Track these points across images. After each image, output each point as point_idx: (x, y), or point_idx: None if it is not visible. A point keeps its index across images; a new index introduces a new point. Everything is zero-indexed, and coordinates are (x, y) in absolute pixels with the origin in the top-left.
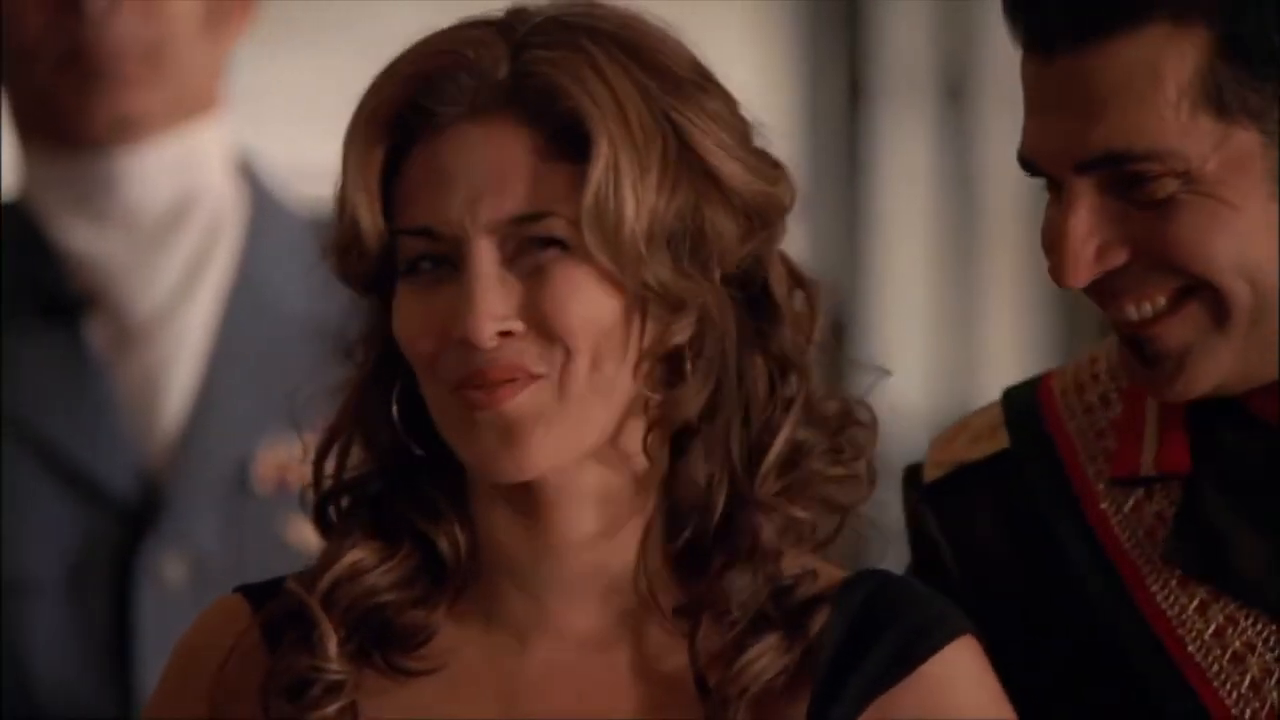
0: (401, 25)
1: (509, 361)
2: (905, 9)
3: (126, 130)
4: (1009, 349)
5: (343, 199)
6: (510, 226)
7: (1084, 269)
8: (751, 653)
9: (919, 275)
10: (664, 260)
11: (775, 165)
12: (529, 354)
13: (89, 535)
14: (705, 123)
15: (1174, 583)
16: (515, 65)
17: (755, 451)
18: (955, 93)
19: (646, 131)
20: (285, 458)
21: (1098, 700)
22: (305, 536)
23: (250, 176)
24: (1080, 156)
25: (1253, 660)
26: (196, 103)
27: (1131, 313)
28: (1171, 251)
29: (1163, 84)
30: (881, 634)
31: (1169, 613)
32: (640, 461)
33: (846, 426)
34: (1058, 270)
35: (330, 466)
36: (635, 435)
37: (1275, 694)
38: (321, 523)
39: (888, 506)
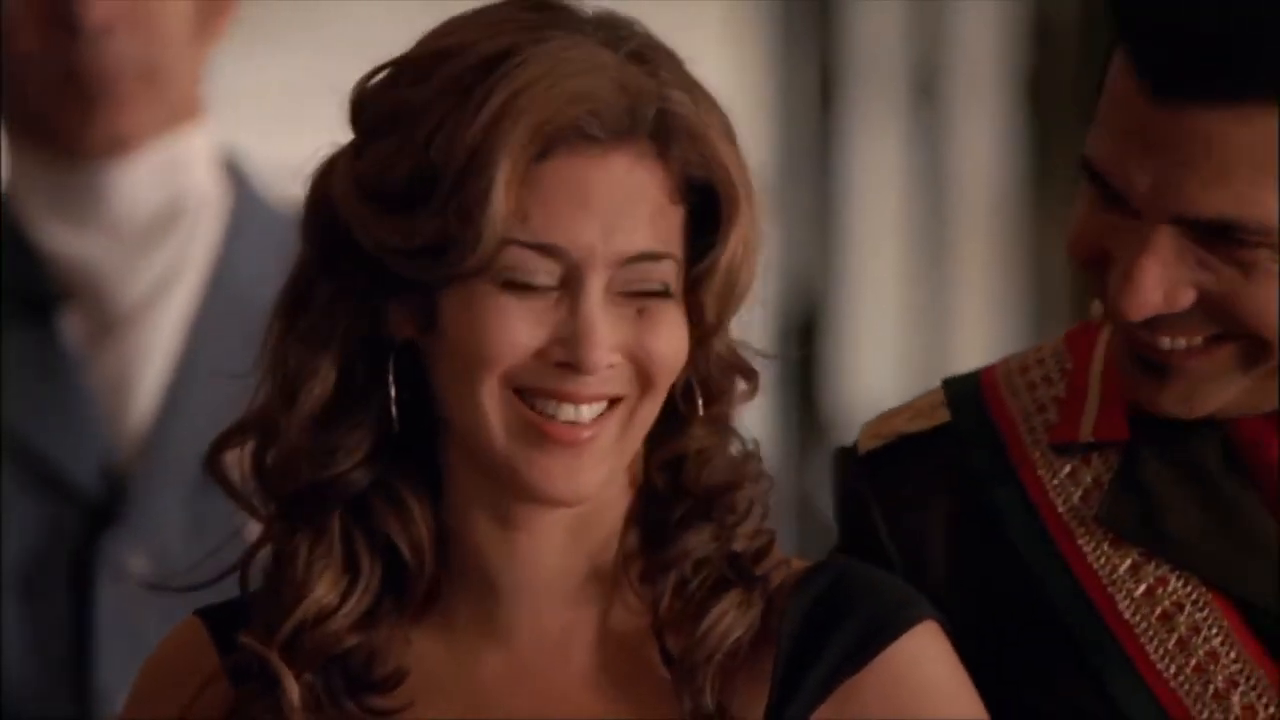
0: (374, 24)
1: (600, 390)
2: (876, 8)
3: (119, 145)
4: (980, 346)
5: (472, 198)
6: (630, 261)
7: (1150, 308)
8: (714, 613)
9: (890, 273)
10: None
11: None
12: (616, 382)
13: (53, 530)
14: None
15: (1106, 545)
16: (662, 103)
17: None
18: (926, 91)
19: (759, 208)
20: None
21: (1029, 658)
22: None
23: (234, 174)
24: (1184, 211)
25: (1181, 619)
26: (184, 110)
27: (1165, 343)
28: (1243, 310)
29: None
30: (844, 621)
31: (1100, 573)
32: (625, 477)
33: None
34: (1122, 302)
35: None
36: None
37: (1201, 651)
38: (290, 517)
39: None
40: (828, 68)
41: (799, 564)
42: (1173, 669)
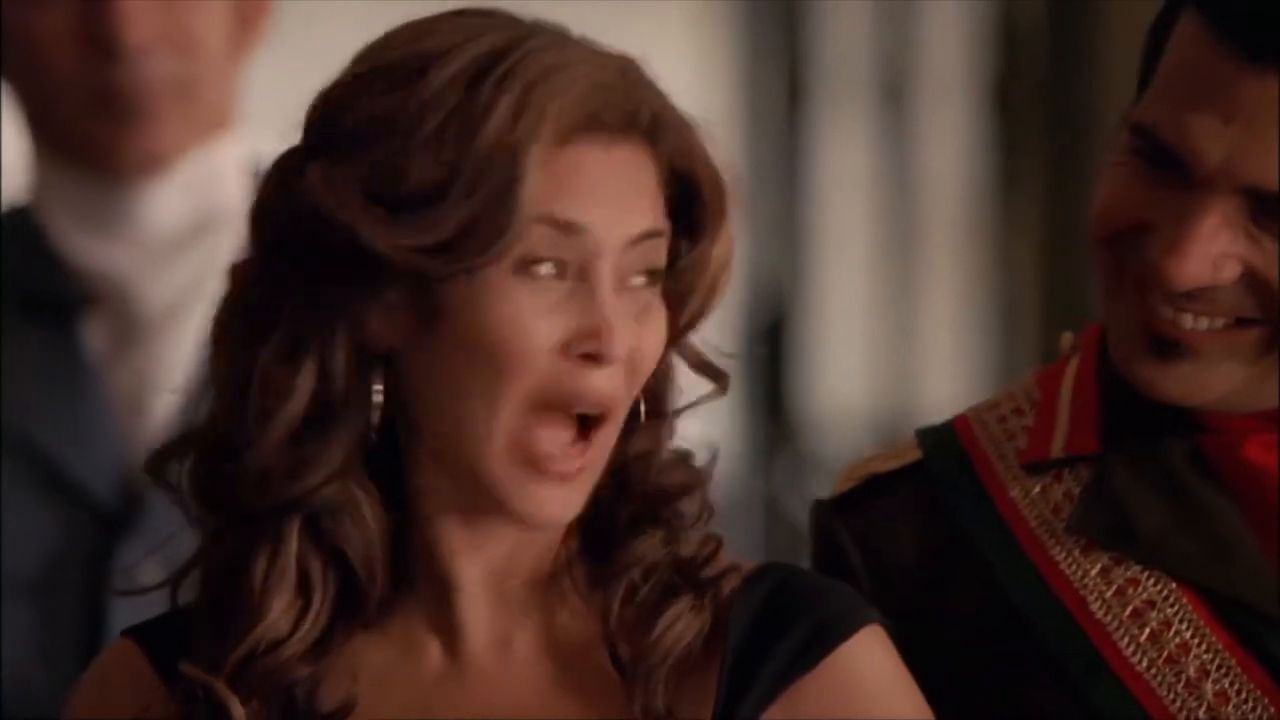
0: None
1: (613, 392)
2: (844, 10)
3: (153, 162)
4: (948, 351)
5: (503, 183)
6: (635, 242)
7: (1198, 278)
8: (665, 619)
9: (857, 275)
10: None
11: None
12: (620, 385)
13: (66, 537)
14: None
15: (1077, 552)
16: (657, 99)
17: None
18: (894, 95)
19: (735, 209)
20: None
21: (1005, 673)
22: None
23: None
24: (1256, 181)
25: (1153, 615)
26: (217, 123)
27: (1188, 322)
28: None
29: None
30: (792, 623)
31: (1072, 579)
32: None
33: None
34: (1170, 270)
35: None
36: None
37: (1173, 644)
38: (247, 534)
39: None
40: (795, 71)
41: (750, 565)
42: (1144, 663)
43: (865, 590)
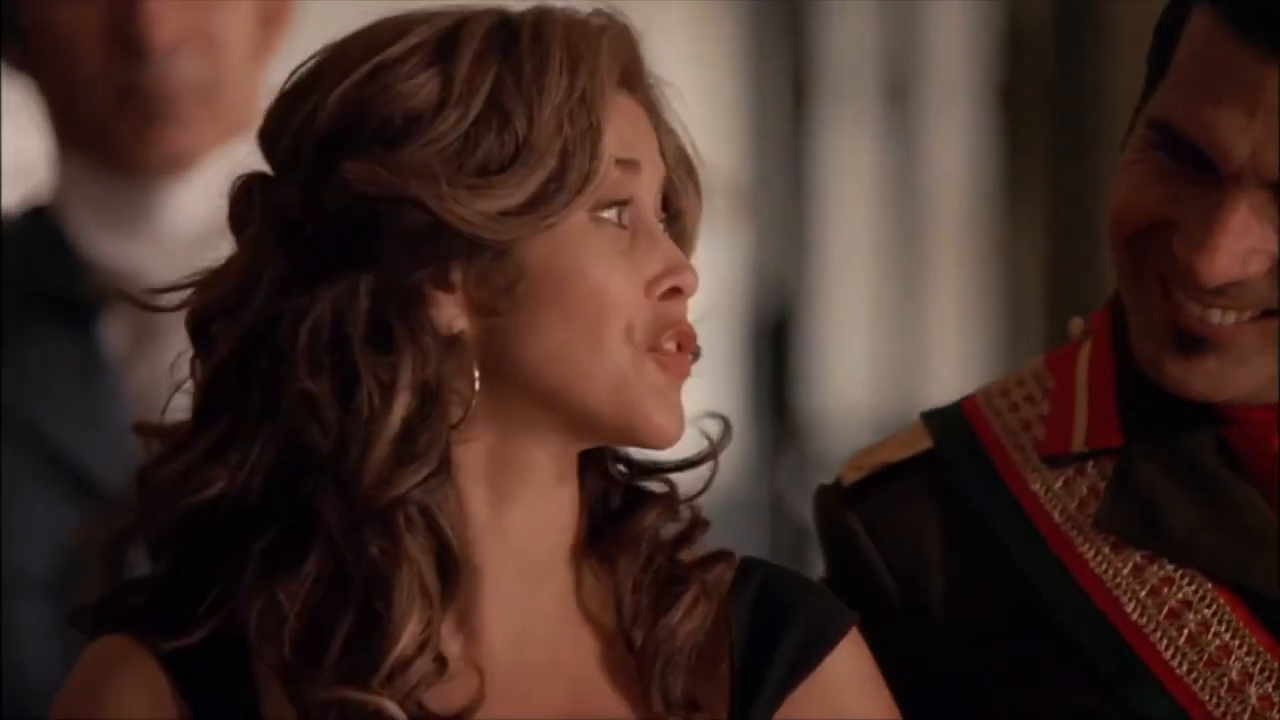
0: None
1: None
2: (849, 10)
3: (177, 164)
4: (952, 349)
5: (580, 130)
6: (661, 184)
7: (1229, 274)
8: (678, 607)
9: (862, 276)
10: None
11: None
12: None
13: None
14: None
15: (1107, 549)
16: (646, 64)
17: None
18: (899, 95)
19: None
20: None
21: (1035, 669)
22: None
23: None
24: None
25: (1190, 616)
26: (241, 124)
27: (1215, 317)
28: None
29: None
30: (786, 628)
31: (1104, 577)
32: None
33: None
34: (1200, 266)
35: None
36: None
37: (1213, 646)
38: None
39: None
40: (799, 72)
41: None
42: (1185, 666)
43: (884, 583)
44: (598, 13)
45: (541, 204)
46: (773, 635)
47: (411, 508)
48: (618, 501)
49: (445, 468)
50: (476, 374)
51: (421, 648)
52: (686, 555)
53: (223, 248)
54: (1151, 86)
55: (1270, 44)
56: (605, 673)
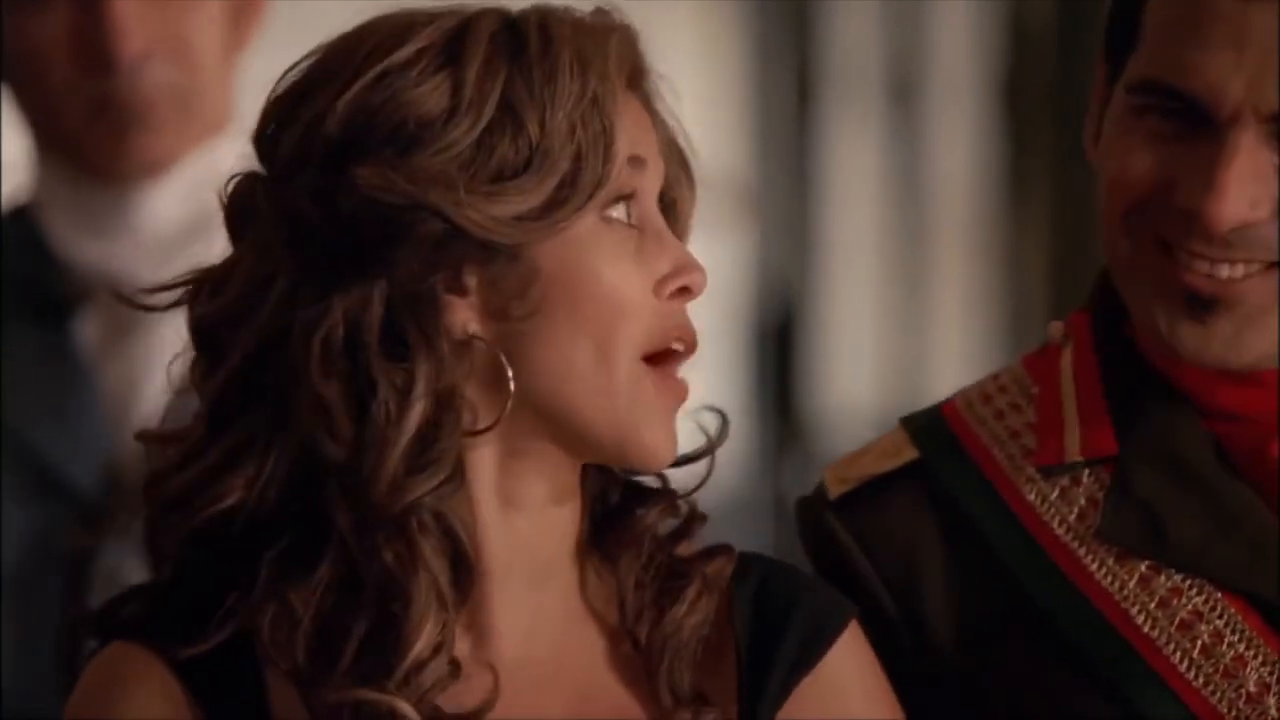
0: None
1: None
2: (853, 10)
3: (152, 168)
4: (957, 348)
5: (594, 132)
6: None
7: (1238, 216)
8: (682, 602)
9: (867, 275)
10: None
11: None
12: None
13: (50, 533)
14: None
15: (1111, 560)
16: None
17: None
18: (903, 94)
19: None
20: None
21: (1039, 679)
22: None
23: None
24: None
25: (1202, 627)
26: (215, 125)
27: (1224, 271)
28: None
29: None
30: (788, 623)
31: (1111, 590)
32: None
33: None
34: (1210, 212)
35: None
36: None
37: (1228, 657)
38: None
39: None
40: (804, 72)
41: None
42: (1201, 678)
43: (879, 596)
44: (599, 11)
45: (556, 207)
46: (775, 631)
47: (425, 513)
48: (617, 498)
49: (459, 474)
50: (510, 374)
51: (436, 650)
52: (685, 549)
53: (198, 248)
54: (1117, 66)
55: None
56: (612, 670)
